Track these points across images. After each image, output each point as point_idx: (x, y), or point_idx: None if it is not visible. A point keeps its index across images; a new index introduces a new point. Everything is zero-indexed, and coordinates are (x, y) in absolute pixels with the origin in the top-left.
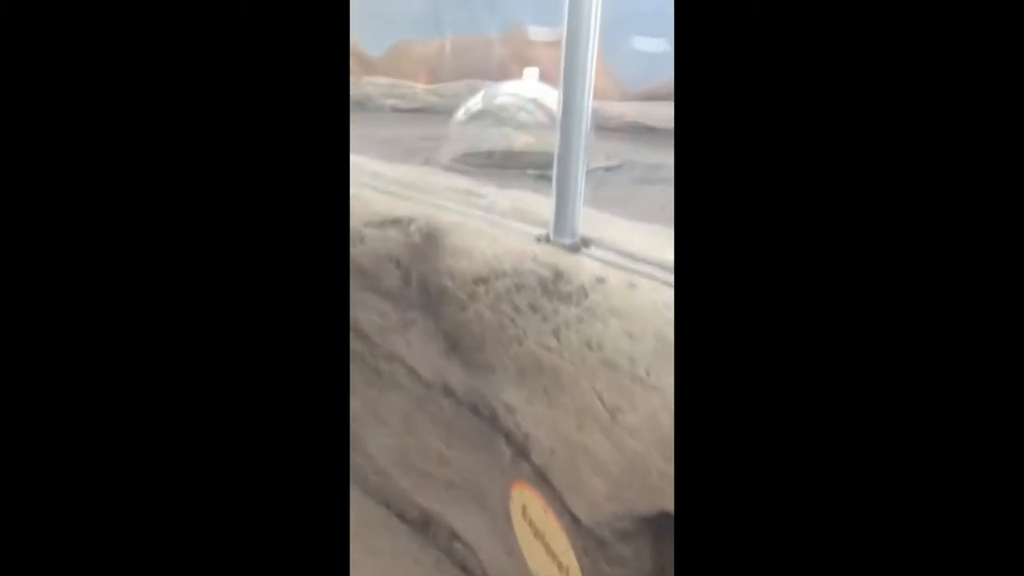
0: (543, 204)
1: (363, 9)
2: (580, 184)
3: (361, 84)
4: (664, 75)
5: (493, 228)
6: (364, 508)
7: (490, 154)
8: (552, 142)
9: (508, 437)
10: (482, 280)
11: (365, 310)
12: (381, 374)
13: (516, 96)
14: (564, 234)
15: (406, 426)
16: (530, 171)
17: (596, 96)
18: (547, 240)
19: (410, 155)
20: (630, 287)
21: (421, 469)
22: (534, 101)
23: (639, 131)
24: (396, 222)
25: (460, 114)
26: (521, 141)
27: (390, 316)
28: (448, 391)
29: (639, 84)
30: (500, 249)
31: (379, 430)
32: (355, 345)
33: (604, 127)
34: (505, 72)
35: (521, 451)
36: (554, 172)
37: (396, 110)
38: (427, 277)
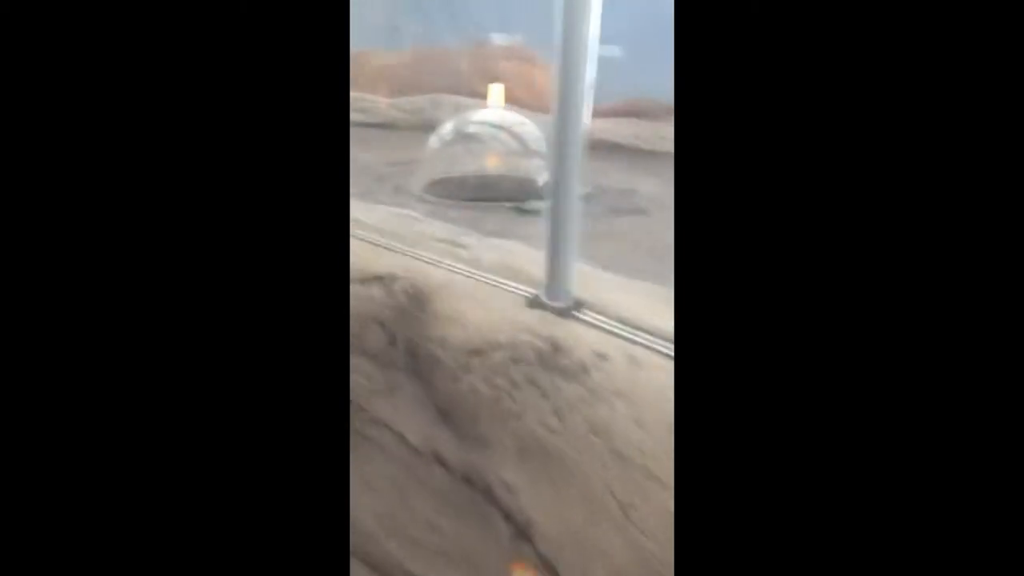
0: (529, 257)
1: None
2: (573, 243)
3: None
4: (625, 88)
5: (481, 289)
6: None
7: (463, 182)
8: (525, 168)
9: (508, 517)
10: (476, 352)
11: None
12: (366, 438)
13: (488, 124)
14: (557, 296)
15: (393, 492)
16: (506, 203)
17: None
18: (538, 302)
19: (380, 183)
20: (632, 362)
21: (410, 535)
22: (506, 129)
23: (605, 149)
24: (378, 279)
25: (432, 141)
26: (494, 168)
27: (375, 379)
28: (439, 460)
29: (601, 100)
30: (493, 316)
31: (364, 494)
32: None
33: None
34: (469, 86)
35: (523, 533)
36: (547, 231)
37: (359, 124)
38: (415, 342)
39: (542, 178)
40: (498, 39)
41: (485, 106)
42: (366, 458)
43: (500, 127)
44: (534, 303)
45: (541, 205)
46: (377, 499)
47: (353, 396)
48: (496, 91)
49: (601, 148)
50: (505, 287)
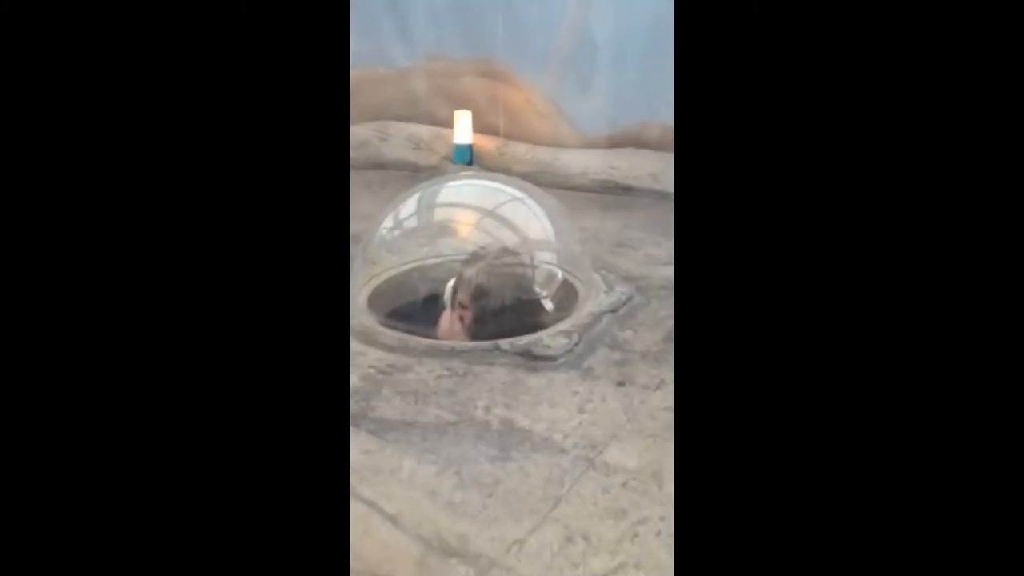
0: None
1: None
2: None
3: None
4: (627, 113)
5: None
6: None
7: (434, 304)
8: (527, 275)
9: None
10: None
11: None
12: None
13: (465, 206)
14: None
15: None
16: (504, 344)
17: (549, 143)
18: None
19: None
20: None
21: None
22: (493, 214)
23: (614, 193)
24: None
25: (386, 225)
26: (477, 280)
27: None
28: None
29: (598, 126)
30: None
31: None
32: None
33: (567, 186)
34: (426, 111)
35: None
36: None
37: None
38: None
39: (553, 286)
40: (459, 53)
41: (449, 137)
42: None
43: (483, 210)
44: None
45: (560, 344)
46: None
47: None
48: (463, 120)
49: (610, 191)
50: None
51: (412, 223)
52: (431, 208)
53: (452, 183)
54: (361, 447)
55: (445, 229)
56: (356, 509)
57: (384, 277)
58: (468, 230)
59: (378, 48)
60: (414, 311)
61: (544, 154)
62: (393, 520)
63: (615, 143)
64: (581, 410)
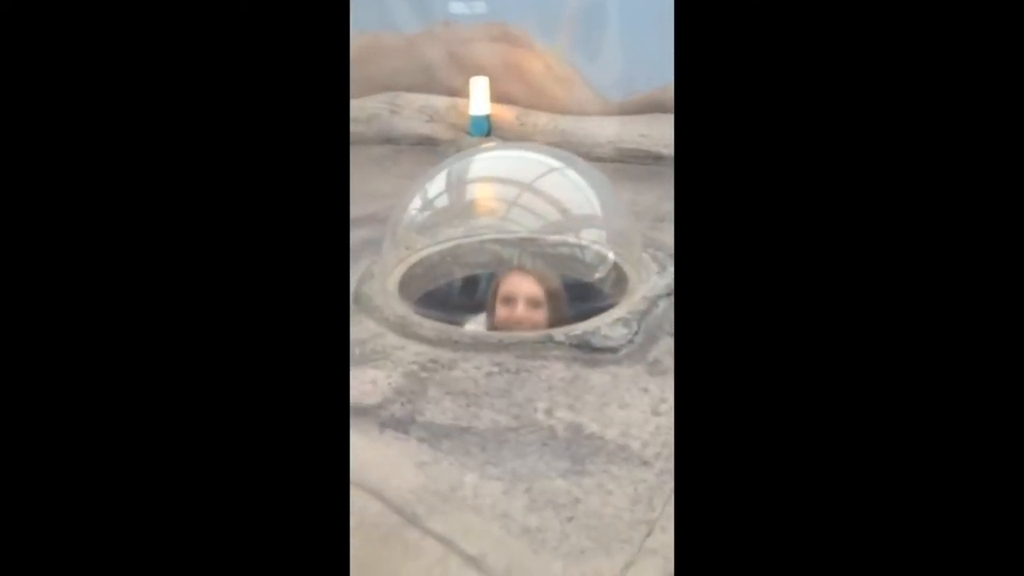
0: None
1: None
2: None
3: None
4: (654, 75)
5: None
6: None
7: (471, 289)
8: (576, 255)
9: None
10: None
11: None
12: None
13: (498, 181)
14: None
15: None
16: (558, 335)
17: (570, 110)
18: None
19: None
20: None
21: None
22: (531, 188)
23: (644, 163)
24: None
25: (415, 207)
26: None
27: None
28: None
29: (624, 90)
30: None
31: None
32: None
33: (593, 156)
34: (440, 81)
35: None
36: None
37: None
38: None
39: (605, 267)
40: (473, 17)
41: (464, 107)
42: None
43: (520, 184)
44: None
45: (620, 334)
46: None
47: None
48: (479, 88)
49: (639, 160)
50: None
51: (443, 201)
52: (462, 184)
53: (483, 155)
54: (416, 458)
55: (479, 206)
56: (433, 549)
57: (414, 259)
58: (505, 207)
59: (384, 14)
60: (450, 297)
61: (566, 123)
62: (476, 564)
63: (641, 108)
64: (656, 412)
